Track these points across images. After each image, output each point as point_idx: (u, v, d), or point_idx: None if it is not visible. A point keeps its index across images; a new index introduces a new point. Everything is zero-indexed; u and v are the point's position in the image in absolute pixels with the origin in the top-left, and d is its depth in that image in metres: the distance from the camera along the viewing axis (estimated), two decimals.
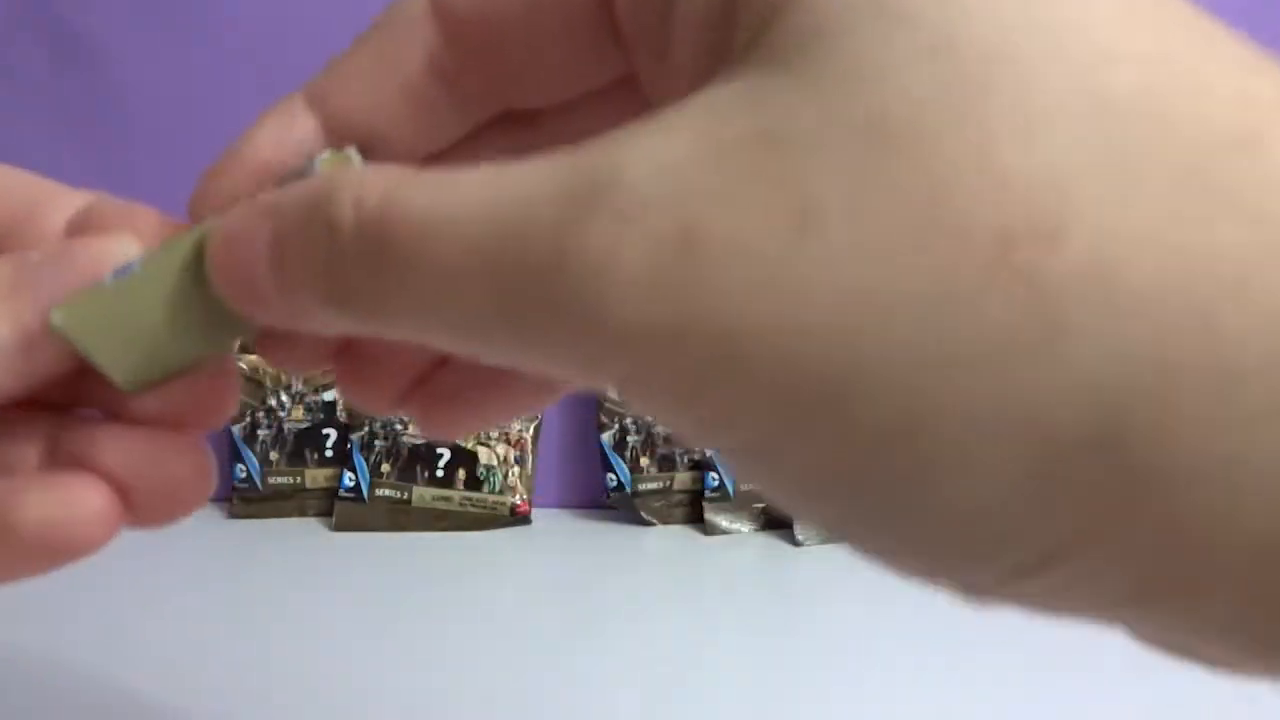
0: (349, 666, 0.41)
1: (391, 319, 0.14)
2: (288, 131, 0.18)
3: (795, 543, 0.57)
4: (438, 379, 0.19)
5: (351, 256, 0.14)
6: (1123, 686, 0.40)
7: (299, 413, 0.60)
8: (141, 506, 0.17)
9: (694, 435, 0.13)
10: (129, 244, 0.17)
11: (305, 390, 0.61)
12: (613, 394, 0.60)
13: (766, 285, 0.11)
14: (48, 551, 0.17)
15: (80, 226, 0.19)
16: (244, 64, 0.61)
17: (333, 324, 0.15)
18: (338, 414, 0.60)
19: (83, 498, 0.17)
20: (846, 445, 0.12)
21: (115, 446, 0.17)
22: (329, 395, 0.61)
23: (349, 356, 0.19)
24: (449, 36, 0.17)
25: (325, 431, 0.60)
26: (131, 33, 0.60)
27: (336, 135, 0.18)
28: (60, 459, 0.18)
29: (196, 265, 0.17)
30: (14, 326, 0.17)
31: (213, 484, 0.18)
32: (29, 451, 0.18)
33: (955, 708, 0.39)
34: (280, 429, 0.60)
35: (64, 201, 0.19)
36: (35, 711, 0.37)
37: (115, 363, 0.17)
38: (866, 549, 0.13)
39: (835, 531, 0.13)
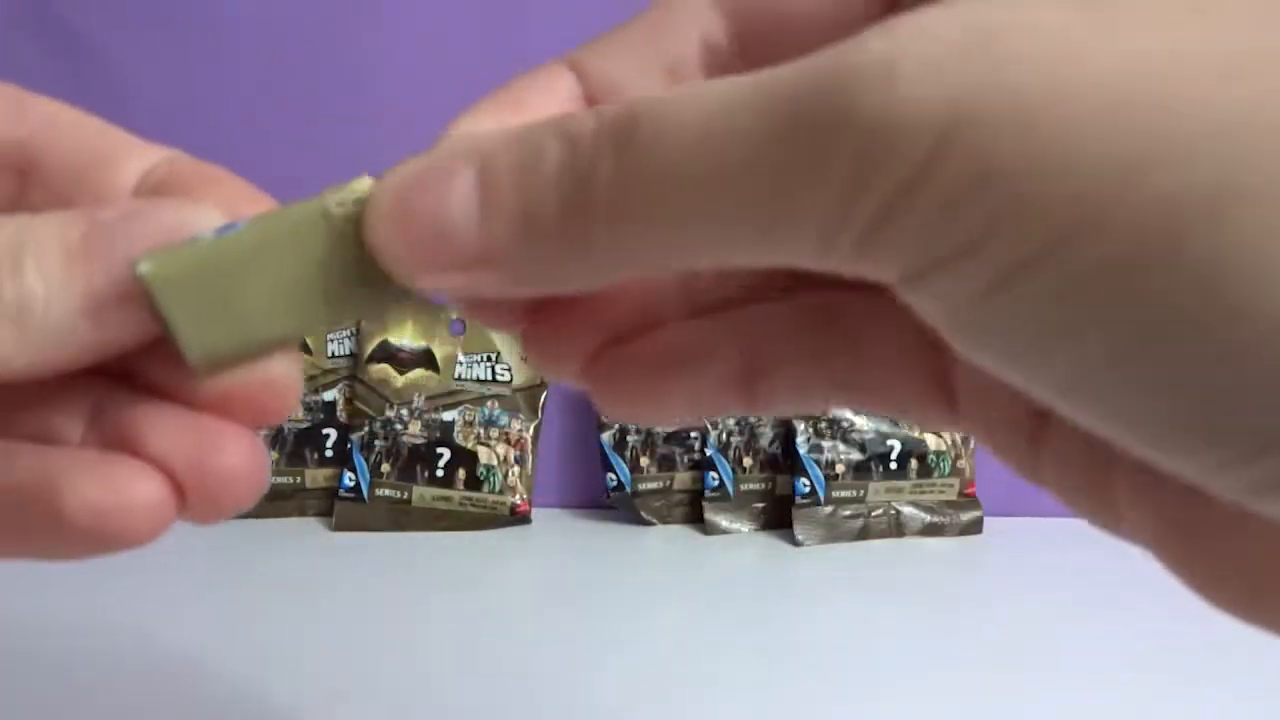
0: (349, 666, 0.41)
1: (640, 216, 0.13)
2: (548, 84, 0.17)
3: (795, 543, 0.57)
4: (626, 351, 0.18)
5: (594, 158, 0.13)
6: (1120, 686, 0.40)
7: (299, 413, 0.60)
8: (193, 499, 0.16)
9: (950, 258, 0.12)
10: (217, 214, 0.16)
11: (305, 390, 0.61)
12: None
13: (1068, 53, 0.11)
14: (95, 540, 0.15)
15: (155, 184, 0.17)
16: (244, 64, 0.61)
17: (528, 269, 0.14)
18: (338, 414, 0.61)
19: (136, 487, 0.15)
20: (1147, 230, 0.11)
21: (170, 433, 0.16)
22: (329, 395, 0.61)
23: (542, 313, 0.18)
24: (731, 25, 0.17)
25: (325, 431, 0.60)
26: (131, 33, 0.60)
27: (593, 100, 0.17)
28: (107, 437, 0.16)
29: (312, 234, 0.15)
30: (85, 290, 0.15)
31: (266, 481, 0.17)
32: (73, 421, 0.17)
33: (954, 707, 0.39)
34: (280, 429, 0.60)
35: (138, 154, 0.18)
36: (34, 709, 0.37)
37: (195, 332, 0.15)
38: (1130, 399, 0.12)
39: (1083, 385, 0.12)
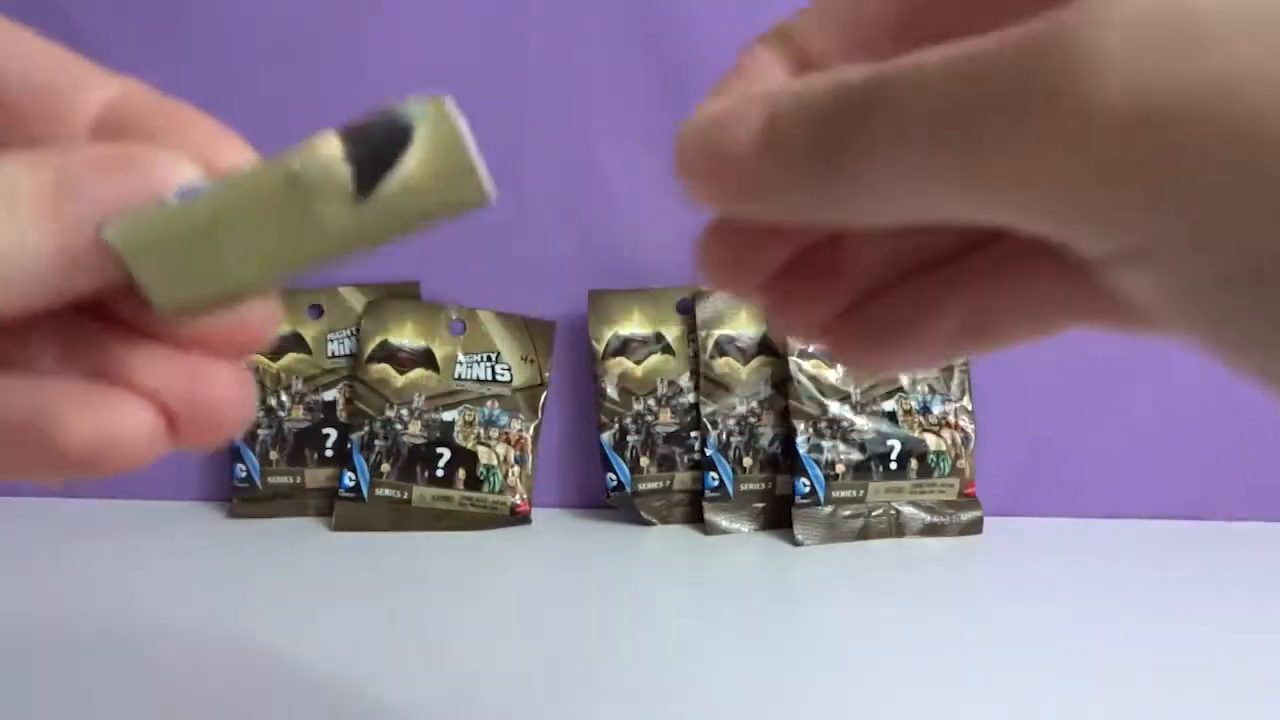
0: (349, 666, 0.41)
1: (876, 150, 0.15)
2: (759, 58, 0.19)
3: (795, 543, 0.57)
4: (861, 310, 0.20)
5: (846, 106, 0.15)
6: (1120, 686, 0.40)
7: (299, 412, 0.60)
8: (185, 430, 0.17)
9: (1145, 219, 0.12)
10: (189, 168, 0.16)
11: (305, 390, 0.61)
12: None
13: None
14: (90, 467, 0.16)
15: (120, 120, 0.18)
16: (244, 64, 0.61)
17: (802, 193, 0.16)
18: (338, 414, 0.61)
19: (131, 420, 0.16)
20: None
21: (159, 368, 0.17)
22: (329, 395, 0.61)
23: (780, 278, 0.20)
24: None
25: (325, 431, 0.60)
26: (131, 33, 0.60)
27: (798, 69, 0.19)
28: (90, 369, 0.17)
29: (277, 194, 0.16)
30: (56, 242, 0.15)
31: (253, 407, 0.18)
32: (41, 348, 0.17)
33: (954, 707, 0.39)
34: (280, 429, 0.60)
35: (96, 86, 0.18)
36: (32, 707, 0.37)
37: (162, 289, 0.16)
38: None
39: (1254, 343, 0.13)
